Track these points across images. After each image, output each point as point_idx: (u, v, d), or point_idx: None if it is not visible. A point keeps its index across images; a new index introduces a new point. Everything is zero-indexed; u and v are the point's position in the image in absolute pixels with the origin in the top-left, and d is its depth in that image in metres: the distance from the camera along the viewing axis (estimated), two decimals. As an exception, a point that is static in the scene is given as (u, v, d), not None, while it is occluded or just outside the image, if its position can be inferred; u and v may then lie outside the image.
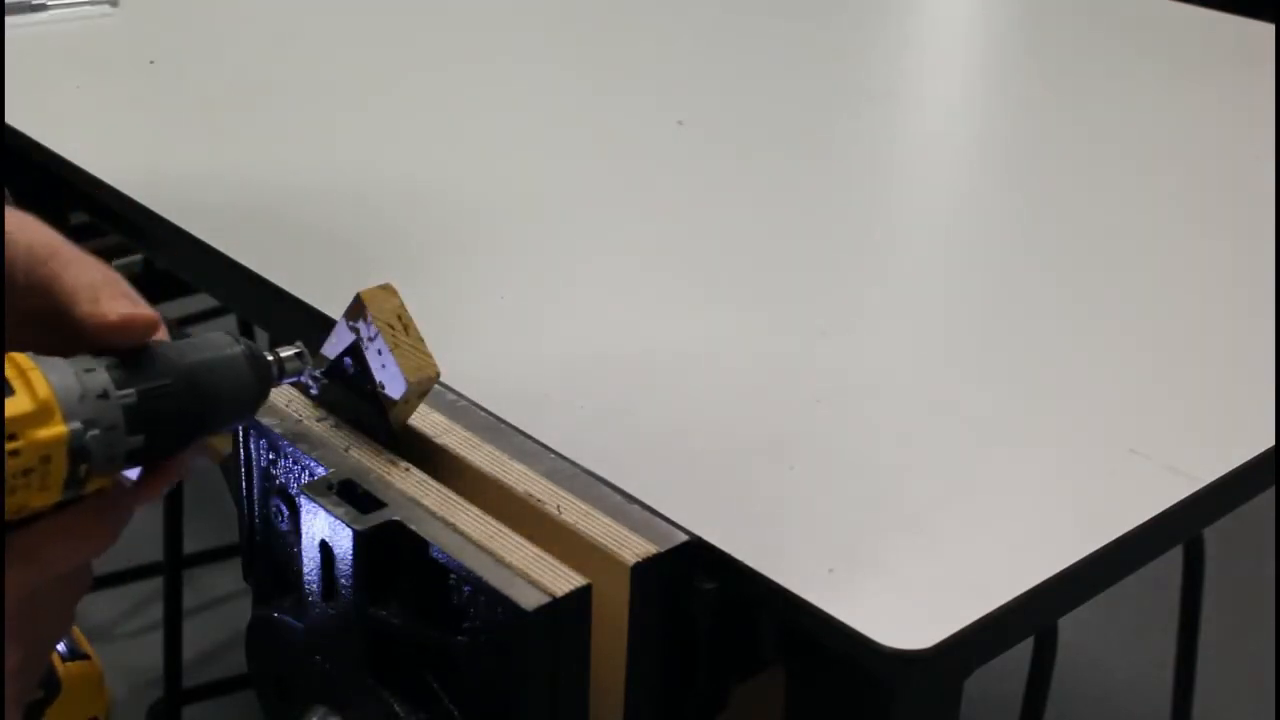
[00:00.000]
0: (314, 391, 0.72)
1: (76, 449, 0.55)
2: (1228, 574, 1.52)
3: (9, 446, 0.53)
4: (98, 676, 0.76)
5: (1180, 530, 0.75)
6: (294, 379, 0.67)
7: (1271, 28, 1.39)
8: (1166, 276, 0.94)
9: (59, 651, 0.73)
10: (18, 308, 0.61)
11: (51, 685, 0.71)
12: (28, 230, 0.62)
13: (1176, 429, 0.77)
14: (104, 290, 0.58)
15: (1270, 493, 0.79)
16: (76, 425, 0.55)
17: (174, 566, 1.55)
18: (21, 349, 0.56)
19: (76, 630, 0.75)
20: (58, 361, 0.56)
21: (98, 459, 0.56)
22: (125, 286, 0.59)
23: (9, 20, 1.33)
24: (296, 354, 0.66)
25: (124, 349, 0.58)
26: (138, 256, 1.65)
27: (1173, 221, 1.03)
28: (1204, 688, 1.51)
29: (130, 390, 0.57)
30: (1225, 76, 1.31)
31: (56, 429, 0.54)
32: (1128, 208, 1.05)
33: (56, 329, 0.59)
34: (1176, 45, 1.40)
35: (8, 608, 0.55)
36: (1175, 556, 1.39)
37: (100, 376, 0.57)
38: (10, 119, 1.11)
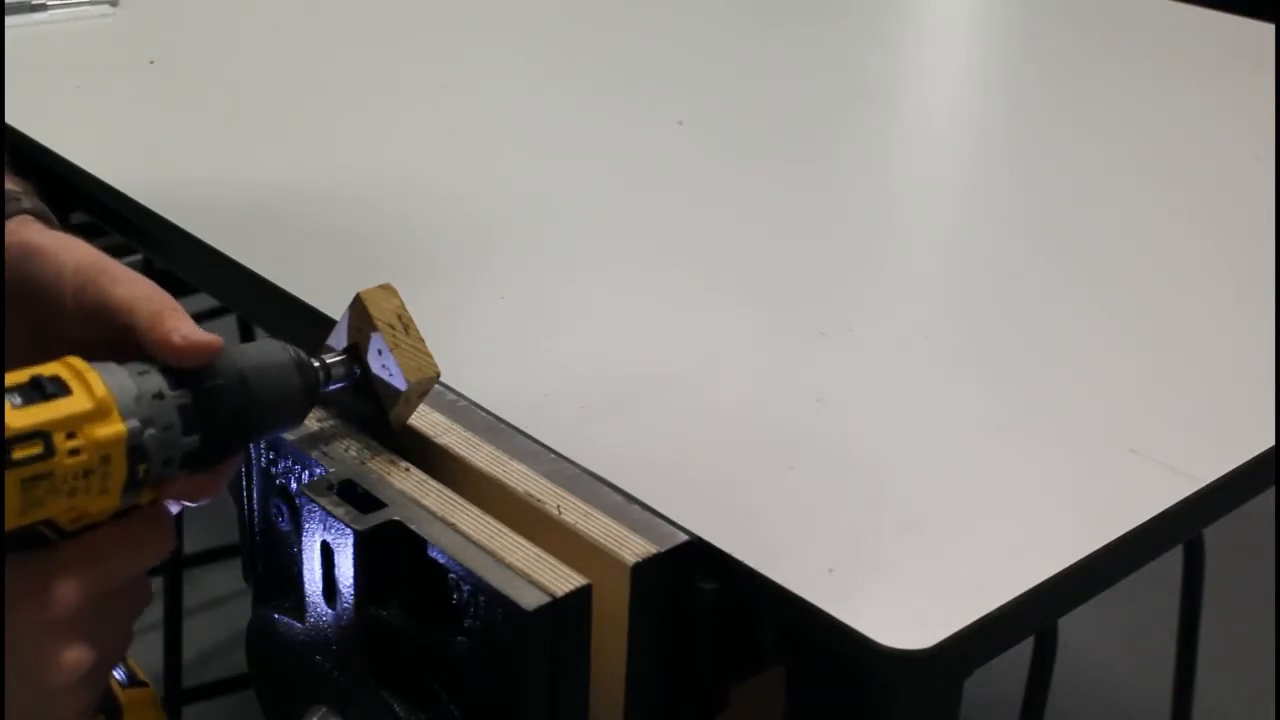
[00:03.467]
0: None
1: (135, 447, 0.56)
2: (1228, 574, 1.52)
3: (69, 445, 0.54)
4: (154, 702, 0.76)
5: (1180, 530, 0.74)
6: (340, 385, 0.67)
7: (1271, 28, 1.39)
8: (1167, 276, 0.94)
9: (117, 678, 0.74)
10: (68, 326, 0.62)
11: (112, 710, 0.72)
12: (74, 250, 0.63)
13: (1176, 429, 0.77)
14: (164, 311, 0.59)
15: (1270, 493, 0.79)
16: (134, 423, 0.56)
17: (174, 566, 1.55)
18: None
19: (132, 660, 0.76)
20: (112, 365, 0.57)
21: (155, 460, 0.57)
22: (179, 306, 0.60)
23: (9, 20, 1.33)
24: (341, 360, 0.67)
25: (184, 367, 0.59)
26: (138, 256, 1.65)
27: (1173, 221, 1.03)
28: (1204, 688, 1.51)
29: (184, 390, 0.58)
30: (1225, 76, 1.31)
31: (115, 427, 0.55)
32: (1127, 208, 1.05)
33: (108, 346, 0.59)
34: (1176, 45, 1.40)
35: (81, 609, 0.56)
36: (1175, 556, 1.39)
37: (155, 378, 0.57)
38: (10, 119, 1.11)
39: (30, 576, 0.56)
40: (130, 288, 0.61)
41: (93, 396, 0.55)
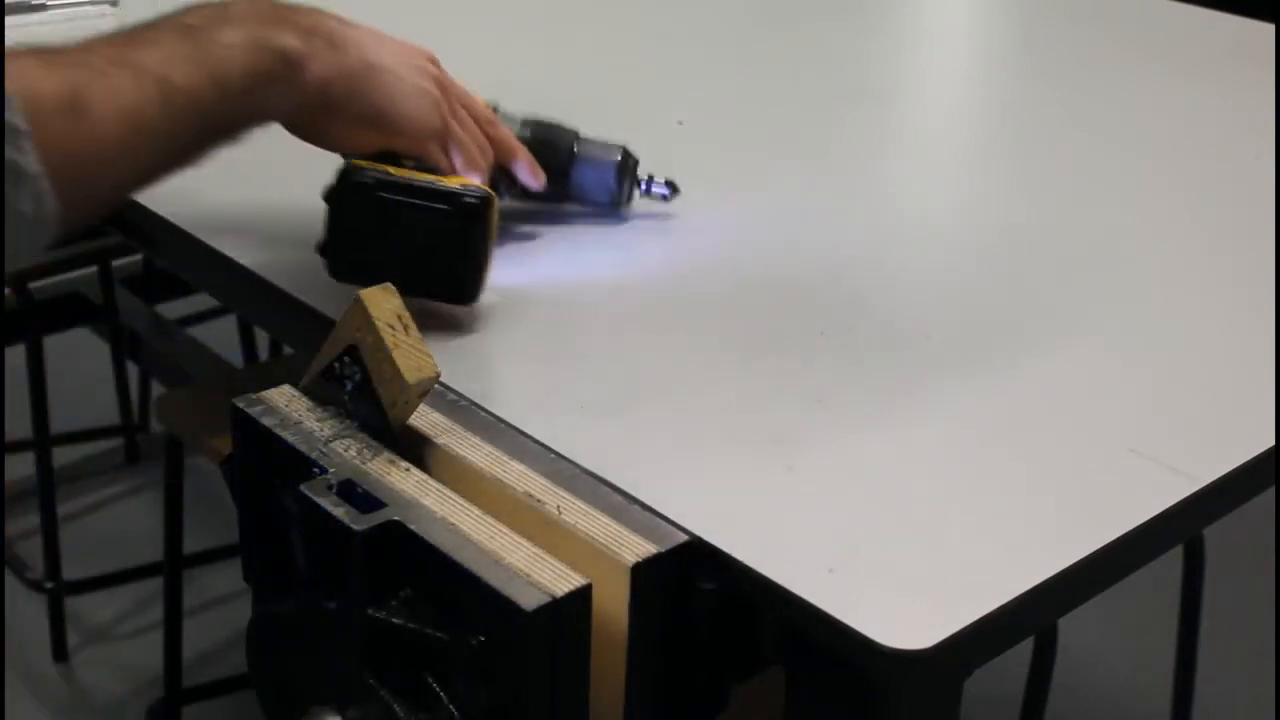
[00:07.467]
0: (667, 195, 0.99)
1: None
2: (1228, 574, 1.52)
3: None
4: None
5: (1180, 530, 0.75)
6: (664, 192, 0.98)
7: (1271, 28, 1.39)
8: (1167, 276, 0.94)
9: None
10: None
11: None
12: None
13: (1176, 429, 0.77)
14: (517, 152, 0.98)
15: (1270, 493, 0.79)
16: None
17: (174, 566, 1.55)
18: None
19: None
20: None
21: None
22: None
23: (9, 20, 1.33)
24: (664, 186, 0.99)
25: None
26: (138, 256, 1.65)
27: (1172, 221, 1.03)
28: (1204, 688, 1.51)
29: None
30: (1225, 76, 1.31)
31: None
32: (1127, 207, 1.05)
33: None
34: (1176, 45, 1.40)
35: (441, 77, 0.96)
36: (1175, 556, 1.39)
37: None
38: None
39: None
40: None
41: None
